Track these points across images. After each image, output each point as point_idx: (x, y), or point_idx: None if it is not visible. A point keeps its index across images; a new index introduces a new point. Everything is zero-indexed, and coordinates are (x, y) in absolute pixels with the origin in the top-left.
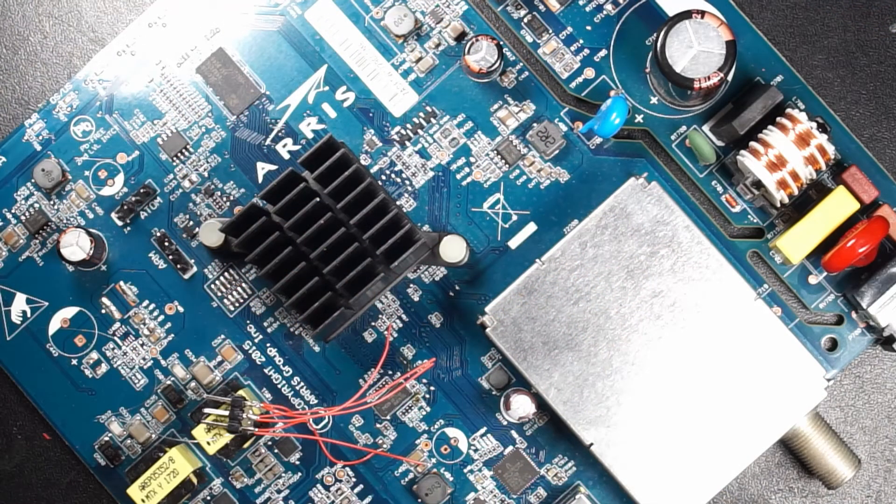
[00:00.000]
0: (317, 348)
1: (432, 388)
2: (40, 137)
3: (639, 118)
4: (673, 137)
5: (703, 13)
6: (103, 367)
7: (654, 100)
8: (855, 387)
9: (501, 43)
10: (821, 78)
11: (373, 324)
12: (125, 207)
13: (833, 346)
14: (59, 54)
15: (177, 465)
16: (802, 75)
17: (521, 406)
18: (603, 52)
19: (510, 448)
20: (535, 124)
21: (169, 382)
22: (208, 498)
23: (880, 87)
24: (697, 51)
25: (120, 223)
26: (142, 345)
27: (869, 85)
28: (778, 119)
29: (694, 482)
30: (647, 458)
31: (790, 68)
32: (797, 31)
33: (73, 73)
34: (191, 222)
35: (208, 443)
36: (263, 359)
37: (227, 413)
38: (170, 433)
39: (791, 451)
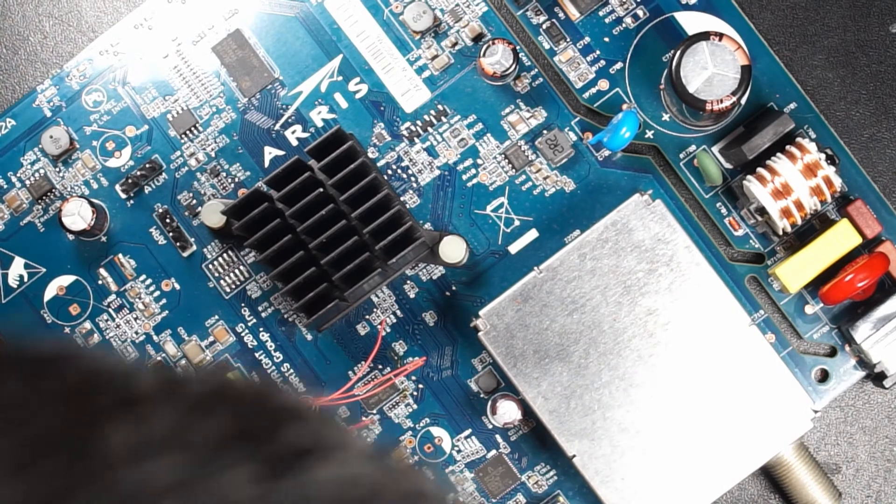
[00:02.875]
0: (309, 337)
1: (421, 385)
2: (51, 104)
3: (649, 134)
4: (681, 156)
5: (721, 35)
6: (95, 338)
7: (665, 117)
8: (855, 387)
9: (518, 48)
10: (821, 78)
11: (367, 317)
12: (130, 181)
13: (824, 377)
14: (59, 54)
15: None
16: (802, 75)
17: (508, 411)
18: (619, 65)
19: (493, 452)
20: (545, 131)
21: (159, 358)
22: None
23: (880, 87)
24: (712, 73)
25: (123, 196)
26: (135, 318)
27: (869, 85)
28: (787, 147)
29: (673, 502)
30: (629, 474)
31: (804, 96)
32: (797, 31)
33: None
34: (194, 201)
35: None
36: (255, 343)
37: None
38: None
39: (772, 480)
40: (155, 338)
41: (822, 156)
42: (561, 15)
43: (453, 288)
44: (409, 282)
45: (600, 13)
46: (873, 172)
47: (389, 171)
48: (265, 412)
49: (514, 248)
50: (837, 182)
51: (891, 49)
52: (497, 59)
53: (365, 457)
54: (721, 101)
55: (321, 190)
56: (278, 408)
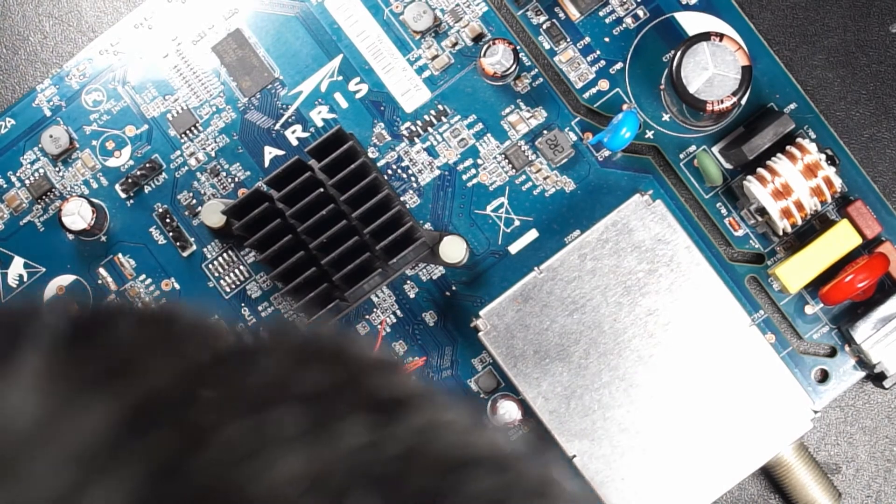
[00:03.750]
0: None
1: None
2: (51, 103)
3: (649, 134)
4: (682, 156)
5: (721, 36)
6: None
7: (665, 117)
8: (855, 387)
9: (518, 48)
10: (821, 78)
11: (367, 317)
12: (130, 180)
13: (824, 377)
14: (59, 54)
15: None
16: (802, 75)
17: (508, 412)
18: (619, 65)
19: None
20: (545, 131)
21: None
22: None
23: (880, 87)
24: (713, 73)
25: (123, 195)
26: None
27: (869, 85)
28: (787, 147)
29: (673, 502)
30: (629, 474)
31: (804, 96)
32: (797, 31)
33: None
34: (194, 201)
35: None
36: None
37: None
38: None
39: (772, 480)
40: None
41: (823, 156)
42: (561, 15)
43: (453, 288)
44: (409, 282)
45: (600, 13)
46: (873, 172)
47: (389, 171)
48: (355, 362)
49: (514, 249)
50: (837, 182)
51: (891, 49)
52: (497, 59)
53: (448, 406)
54: (721, 101)
55: (321, 190)
56: (364, 359)
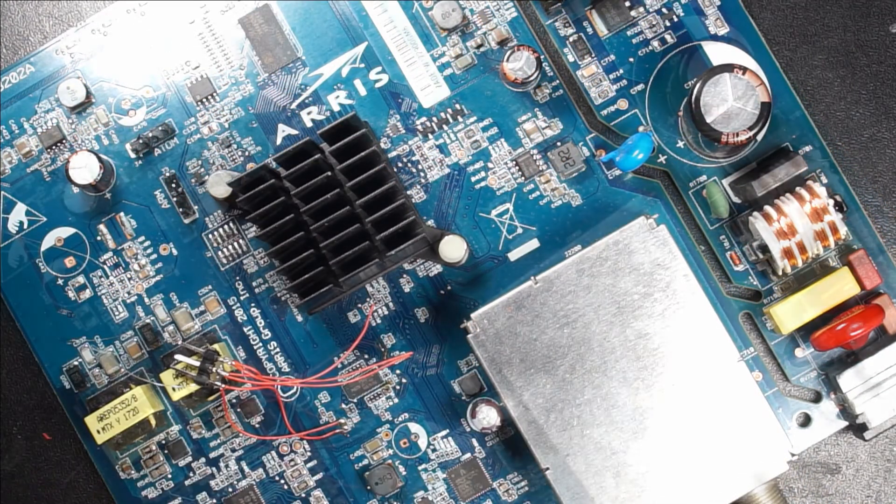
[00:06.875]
0: (299, 318)
1: (404, 380)
2: (73, 56)
3: (662, 158)
4: (691, 184)
5: (745, 70)
6: (87, 293)
7: (680, 143)
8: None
9: (542, 57)
10: (821, 78)
11: (359, 305)
12: (141, 141)
13: (805, 421)
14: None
15: (138, 404)
16: (802, 75)
17: (487, 417)
18: (640, 87)
19: (468, 455)
20: (558, 143)
21: (148, 321)
22: (163, 442)
23: (880, 87)
24: (732, 105)
25: (133, 155)
26: (129, 278)
27: (869, 85)
28: (797, 188)
29: None
30: (599, 494)
31: (821, 140)
32: (797, 31)
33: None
34: (202, 169)
35: (173, 388)
36: (245, 317)
37: (197, 364)
38: (138, 371)
39: None
40: (146, 300)
41: (831, 202)
42: (589, 30)
43: (448, 287)
44: (405, 276)
45: (628, 33)
46: (873, 172)
47: (399, 164)
48: None
49: (513, 255)
50: (843, 230)
51: (891, 49)
52: (520, 65)
53: None
54: (737, 134)
55: (329, 174)
56: None
